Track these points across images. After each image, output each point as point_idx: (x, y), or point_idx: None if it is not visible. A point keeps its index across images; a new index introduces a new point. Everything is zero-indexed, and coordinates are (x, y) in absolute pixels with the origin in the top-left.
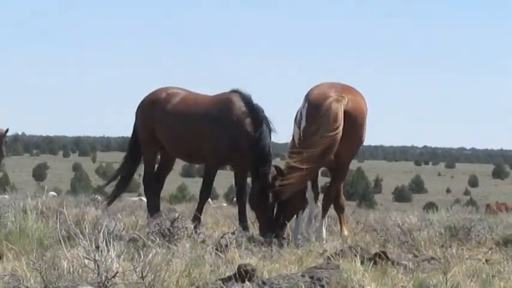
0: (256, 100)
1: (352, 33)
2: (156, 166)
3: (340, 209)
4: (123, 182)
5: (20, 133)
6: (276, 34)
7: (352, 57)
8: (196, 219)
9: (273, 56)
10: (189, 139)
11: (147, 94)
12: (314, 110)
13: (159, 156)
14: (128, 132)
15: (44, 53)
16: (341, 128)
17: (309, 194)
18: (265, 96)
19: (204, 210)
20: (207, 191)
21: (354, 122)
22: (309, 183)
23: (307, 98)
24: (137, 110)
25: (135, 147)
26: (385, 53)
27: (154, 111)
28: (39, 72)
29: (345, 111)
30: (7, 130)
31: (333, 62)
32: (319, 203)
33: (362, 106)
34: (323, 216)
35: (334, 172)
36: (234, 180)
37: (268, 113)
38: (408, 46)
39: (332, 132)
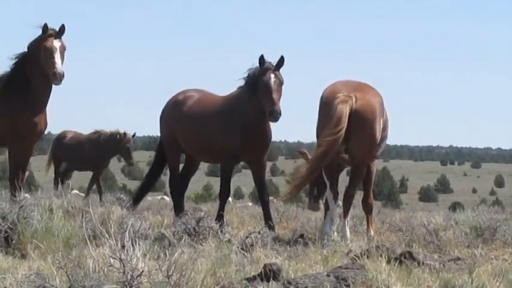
0: None
1: (379, 32)
2: (182, 167)
3: (368, 210)
4: (147, 183)
5: (46, 132)
6: (296, 31)
7: (379, 56)
8: (221, 219)
9: (298, 54)
10: (203, 138)
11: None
12: (324, 109)
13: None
14: (153, 131)
15: (72, 51)
16: (343, 130)
17: (328, 194)
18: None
19: (229, 210)
20: (225, 189)
21: (363, 120)
22: (327, 183)
23: (321, 96)
24: (161, 113)
25: (161, 150)
26: (412, 52)
27: (173, 113)
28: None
29: (353, 110)
30: (134, 134)
31: (358, 61)
32: (340, 203)
33: (372, 104)
34: (344, 217)
35: (351, 171)
36: (253, 180)
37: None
38: (435, 45)
39: (332, 135)
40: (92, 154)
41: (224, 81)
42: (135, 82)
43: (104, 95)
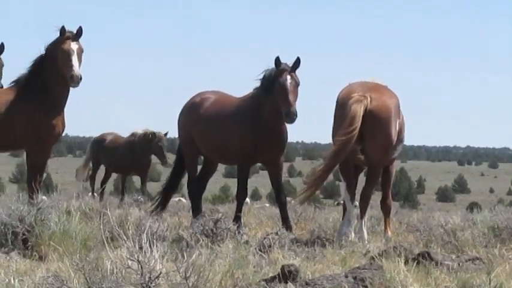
0: None
1: (379, 32)
2: (200, 169)
3: (386, 211)
4: (169, 186)
5: (63, 134)
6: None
7: (379, 56)
8: (238, 220)
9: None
10: (219, 139)
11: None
12: (339, 110)
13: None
14: (170, 133)
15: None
16: (357, 130)
17: (345, 195)
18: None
19: (247, 211)
20: (242, 190)
21: (378, 121)
22: (344, 184)
23: (337, 97)
24: (178, 115)
25: (181, 153)
26: (428, 53)
27: (190, 115)
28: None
29: (368, 111)
30: (166, 133)
31: (358, 61)
32: (357, 203)
33: (388, 105)
34: (362, 217)
35: (367, 172)
36: (270, 181)
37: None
38: (452, 46)
39: (346, 135)
40: (127, 157)
41: (224, 81)
42: (135, 82)
43: (104, 95)
